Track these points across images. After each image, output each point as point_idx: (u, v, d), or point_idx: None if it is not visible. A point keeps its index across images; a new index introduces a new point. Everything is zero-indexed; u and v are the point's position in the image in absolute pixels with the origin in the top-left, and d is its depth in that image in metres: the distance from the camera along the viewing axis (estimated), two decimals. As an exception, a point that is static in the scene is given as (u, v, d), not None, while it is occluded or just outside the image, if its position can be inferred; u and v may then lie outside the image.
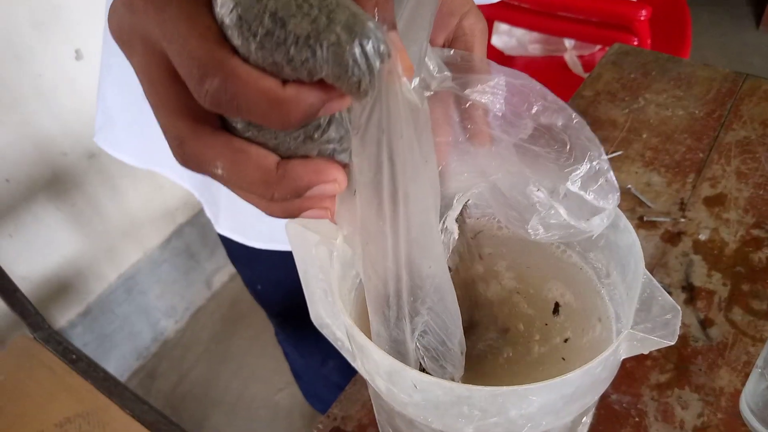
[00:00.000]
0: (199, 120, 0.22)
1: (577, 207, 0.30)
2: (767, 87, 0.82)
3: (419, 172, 0.25)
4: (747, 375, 0.53)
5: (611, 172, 0.30)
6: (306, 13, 0.20)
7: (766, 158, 0.72)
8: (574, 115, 0.31)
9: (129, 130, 0.67)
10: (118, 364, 1.54)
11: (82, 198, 1.34)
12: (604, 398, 0.53)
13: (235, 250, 0.79)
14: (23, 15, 1.13)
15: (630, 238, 0.34)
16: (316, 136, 0.24)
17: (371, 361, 0.32)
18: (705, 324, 0.58)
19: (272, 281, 0.77)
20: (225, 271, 1.76)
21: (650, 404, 0.52)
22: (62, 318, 1.40)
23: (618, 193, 0.30)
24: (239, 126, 0.23)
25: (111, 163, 1.37)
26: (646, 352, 0.31)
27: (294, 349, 0.99)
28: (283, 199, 0.24)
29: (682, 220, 0.67)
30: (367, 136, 0.24)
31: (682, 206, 0.68)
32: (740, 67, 0.90)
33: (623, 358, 0.32)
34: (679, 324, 0.31)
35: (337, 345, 0.48)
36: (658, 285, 0.32)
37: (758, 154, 0.73)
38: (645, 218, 0.67)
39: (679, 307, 0.31)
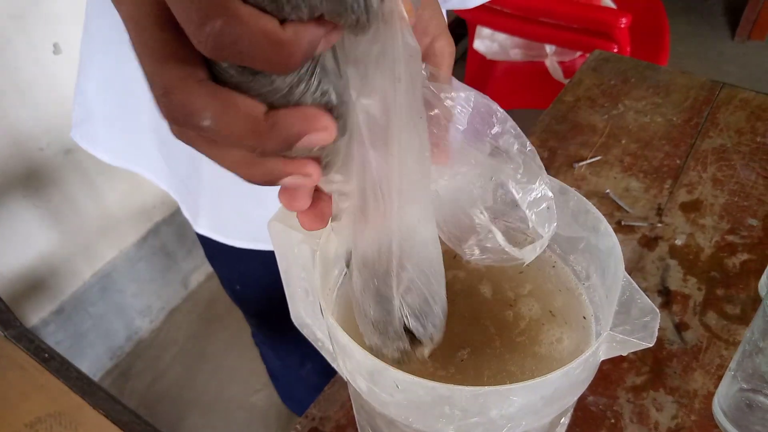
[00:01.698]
0: (187, 69, 0.22)
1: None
2: (743, 96, 0.83)
3: (415, 121, 0.25)
4: (720, 378, 0.54)
5: (552, 202, 0.31)
6: None
7: (742, 166, 0.74)
8: (528, 143, 0.31)
9: (108, 126, 0.66)
10: (91, 363, 1.51)
11: (58, 194, 1.32)
12: (581, 400, 0.53)
13: (214, 250, 0.78)
14: (1, 6, 1.10)
15: (610, 242, 0.35)
16: (306, 84, 0.23)
17: (353, 360, 0.32)
18: (680, 328, 0.59)
19: (251, 281, 0.76)
20: (202, 270, 1.74)
21: (626, 406, 0.53)
22: (35, 316, 1.37)
23: (555, 224, 0.31)
24: (232, 73, 0.22)
25: (88, 160, 1.35)
26: (624, 354, 0.32)
27: (271, 351, 0.98)
28: (272, 151, 0.23)
29: (659, 225, 0.68)
30: (367, 78, 0.23)
31: (659, 211, 0.69)
32: (716, 76, 0.92)
33: (602, 359, 0.33)
34: (658, 326, 0.31)
35: (317, 345, 0.48)
36: (638, 287, 0.32)
37: (733, 161, 0.74)
38: (623, 222, 0.68)
39: (657, 310, 0.32)
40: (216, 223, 0.66)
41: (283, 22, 0.20)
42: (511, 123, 0.31)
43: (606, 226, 0.35)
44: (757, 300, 0.60)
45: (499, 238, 0.31)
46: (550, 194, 0.31)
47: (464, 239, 0.32)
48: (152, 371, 1.55)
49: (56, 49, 1.22)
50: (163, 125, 0.23)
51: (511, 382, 0.31)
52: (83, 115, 0.67)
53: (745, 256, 0.64)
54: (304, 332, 0.48)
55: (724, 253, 0.65)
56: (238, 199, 0.63)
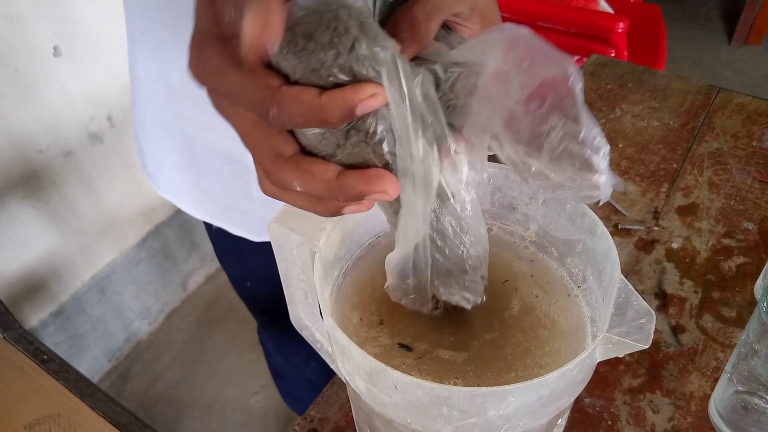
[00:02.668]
0: (276, 149, 0.29)
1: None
2: (739, 101, 0.84)
3: None
4: (716, 380, 0.54)
5: (597, 129, 0.30)
6: (326, 27, 0.26)
7: (738, 170, 0.74)
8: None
9: (155, 161, 0.68)
10: (90, 365, 1.52)
11: (57, 196, 1.32)
12: (578, 402, 0.54)
13: (225, 248, 0.78)
14: (0, 8, 1.11)
15: (607, 244, 0.35)
16: (361, 134, 0.29)
17: (352, 361, 0.32)
18: (676, 330, 0.59)
19: (262, 278, 0.77)
20: (201, 272, 1.74)
21: (622, 408, 0.53)
22: (34, 317, 1.37)
23: (607, 149, 0.30)
24: (310, 135, 0.29)
25: (87, 162, 1.35)
26: (620, 355, 0.32)
27: (277, 349, 0.98)
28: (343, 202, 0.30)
29: (656, 228, 0.68)
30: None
31: (656, 215, 0.70)
32: (713, 81, 0.92)
33: (598, 361, 0.33)
34: (653, 328, 0.32)
35: (316, 347, 0.48)
36: (633, 290, 0.33)
37: (729, 165, 0.75)
38: (620, 226, 0.68)
39: (653, 312, 0.32)
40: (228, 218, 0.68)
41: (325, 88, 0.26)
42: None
43: (602, 229, 0.36)
44: (752, 303, 0.61)
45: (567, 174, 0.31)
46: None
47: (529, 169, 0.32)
48: (151, 373, 1.55)
49: (56, 51, 1.22)
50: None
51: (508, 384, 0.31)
52: (138, 142, 0.70)
53: (741, 260, 0.65)
54: (304, 334, 0.48)
55: (720, 256, 0.65)
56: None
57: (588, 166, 0.28)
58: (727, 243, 0.66)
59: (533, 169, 0.28)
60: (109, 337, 1.54)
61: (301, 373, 0.98)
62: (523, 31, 0.29)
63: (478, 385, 0.34)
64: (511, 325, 0.39)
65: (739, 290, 0.62)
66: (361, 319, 0.40)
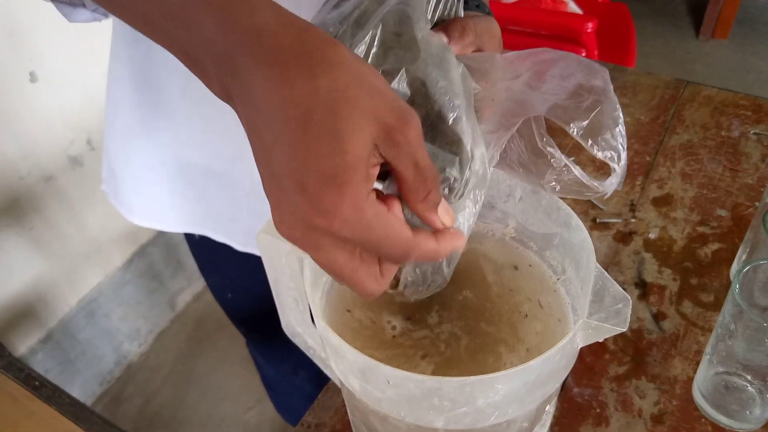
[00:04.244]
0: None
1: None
2: (706, 93, 0.86)
3: None
4: (698, 363, 0.56)
5: (618, 128, 0.32)
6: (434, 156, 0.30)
7: (708, 159, 0.77)
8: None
9: (130, 185, 0.69)
10: (81, 390, 1.51)
11: (40, 221, 1.32)
12: (566, 392, 0.55)
13: (207, 260, 0.79)
14: (-26, 37, 1.11)
15: (582, 235, 0.37)
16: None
17: (345, 360, 0.33)
18: (658, 317, 0.61)
19: (242, 288, 0.77)
20: (188, 291, 1.74)
21: (610, 395, 0.55)
22: (22, 345, 1.36)
23: (624, 153, 0.33)
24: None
25: (69, 186, 1.35)
26: (600, 340, 0.34)
27: (264, 360, 0.99)
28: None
29: (633, 220, 0.70)
30: None
31: (632, 207, 0.72)
32: (683, 75, 0.95)
33: (581, 346, 0.35)
34: (630, 312, 0.33)
35: (309, 353, 0.49)
36: (609, 277, 0.34)
37: (700, 155, 0.77)
38: (598, 220, 0.70)
39: (629, 297, 0.34)
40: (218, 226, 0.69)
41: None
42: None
43: (577, 221, 0.37)
44: (729, 287, 0.63)
45: (577, 171, 0.33)
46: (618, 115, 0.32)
47: (541, 175, 0.34)
48: (143, 394, 1.55)
49: (32, 77, 1.23)
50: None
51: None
52: (108, 173, 0.70)
53: (716, 246, 0.67)
54: (296, 341, 0.49)
55: (696, 243, 0.67)
56: None
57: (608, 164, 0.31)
58: (702, 230, 0.69)
59: (555, 157, 0.30)
60: (99, 361, 1.53)
61: (292, 382, 0.99)
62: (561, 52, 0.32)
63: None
64: (500, 317, 0.40)
65: (716, 275, 0.64)
66: (353, 319, 0.41)
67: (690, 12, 2.70)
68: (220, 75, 0.28)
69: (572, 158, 0.35)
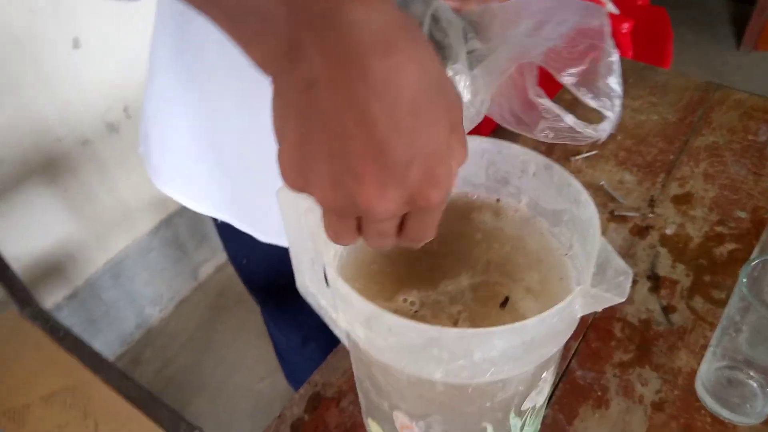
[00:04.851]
0: None
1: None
2: (736, 97, 0.86)
3: None
4: (704, 357, 0.57)
5: (614, 77, 0.33)
6: None
7: (732, 162, 0.77)
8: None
9: (161, 151, 0.70)
10: (102, 348, 1.56)
11: (74, 183, 1.36)
12: (570, 373, 0.56)
13: (225, 225, 0.82)
14: (22, 0, 1.15)
15: (590, 210, 0.38)
16: None
17: (352, 309, 0.35)
18: (667, 310, 0.62)
19: (259, 255, 0.79)
20: (212, 262, 1.78)
21: (612, 380, 0.56)
22: (49, 300, 1.41)
23: (619, 100, 0.33)
24: None
25: (104, 150, 1.39)
26: (599, 309, 0.35)
27: (277, 328, 1.02)
28: None
29: (651, 215, 0.71)
30: None
31: (651, 203, 0.72)
32: (718, 83, 0.94)
33: (580, 315, 0.36)
34: (630, 283, 0.34)
35: (320, 313, 0.51)
36: (613, 250, 0.36)
37: (725, 157, 0.77)
38: (615, 212, 0.71)
39: (630, 270, 0.35)
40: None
41: None
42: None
43: (586, 197, 0.39)
44: (741, 286, 0.63)
45: (569, 119, 0.35)
46: (615, 59, 0.33)
47: (534, 125, 0.35)
48: (161, 359, 1.59)
49: (75, 44, 1.27)
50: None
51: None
52: (144, 134, 0.72)
53: (732, 246, 0.67)
54: (309, 300, 0.51)
55: (713, 242, 0.68)
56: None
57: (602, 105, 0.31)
58: (719, 230, 0.69)
59: (545, 106, 0.32)
60: (121, 322, 1.58)
61: (302, 353, 1.01)
62: None
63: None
64: (509, 284, 0.42)
65: (730, 274, 0.64)
66: (365, 275, 0.43)
67: (732, 22, 2.65)
68: (301, 30, 0.27)
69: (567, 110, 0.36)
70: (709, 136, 0.80)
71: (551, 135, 0.34)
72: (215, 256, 1.78)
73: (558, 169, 0.41)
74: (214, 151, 0.66)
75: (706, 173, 0.76)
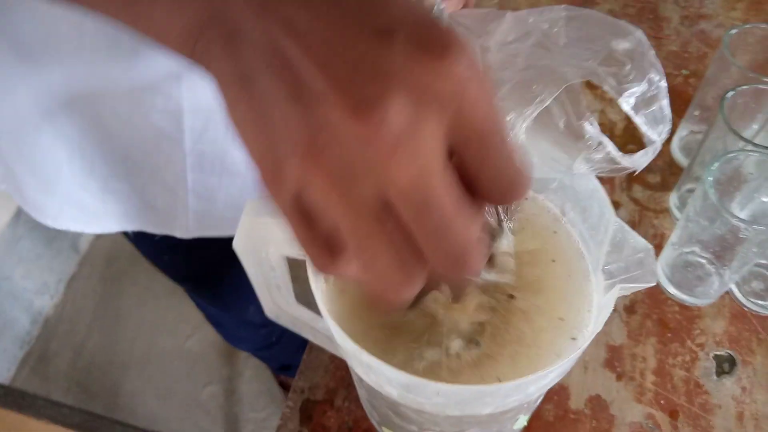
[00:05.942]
0: None
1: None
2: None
3: None
4: (658, 245, 0.58)
5: (666, 101, 0.29)
6: None
7: (629, 29, 0.76)
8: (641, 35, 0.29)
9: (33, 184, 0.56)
10: (1, 358, 1.41)
11: None
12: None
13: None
14: None
15: (591, 184, 0.35)
16: None
17: (382, 376, 0.31)
18: (614, 207, 0.62)
19: (182, 251, 0.70)
20: (89, 229, 1.62)
21: (584, 296, 0.57)
22: None
23: (669, 126, 0.30)
24: None
25: None
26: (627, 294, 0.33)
27: (212, 306, 0.95)
28: None
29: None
30: None
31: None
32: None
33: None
34: (655, 263, 0.32)
35: (296, 330, 0.47)
36: (630, 229, 0.33)
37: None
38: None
39: (651, 246, 0.33)
40: (206, 224, 0.61)
41: None
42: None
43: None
44: (672, 164, 0.65)
45: (610, 148, 0.30)
46: (663, 93, 0.29)
47: (572, 156, 0.31)
48: (70, 348, 1.47)
49: None
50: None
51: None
52: (4, 170, 0.56)
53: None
54: (280, 322, 0.46)
55: (634, 123, 0.68)
56: (224, 195, 0.59)
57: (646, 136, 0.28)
58: (636, 108, 0.69)
59: (591, 134, 0.28)
60: (12, 325, 1.42)
61: (242, 318, 0.96)
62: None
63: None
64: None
65: (660, 154, 0.65)
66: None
67: None
68: None
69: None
70: (604, 5, 0.78)
71: (584, 167, 0.30)
72: (91, 221, 1.62)
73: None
74: (100, 163, 0.54)
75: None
